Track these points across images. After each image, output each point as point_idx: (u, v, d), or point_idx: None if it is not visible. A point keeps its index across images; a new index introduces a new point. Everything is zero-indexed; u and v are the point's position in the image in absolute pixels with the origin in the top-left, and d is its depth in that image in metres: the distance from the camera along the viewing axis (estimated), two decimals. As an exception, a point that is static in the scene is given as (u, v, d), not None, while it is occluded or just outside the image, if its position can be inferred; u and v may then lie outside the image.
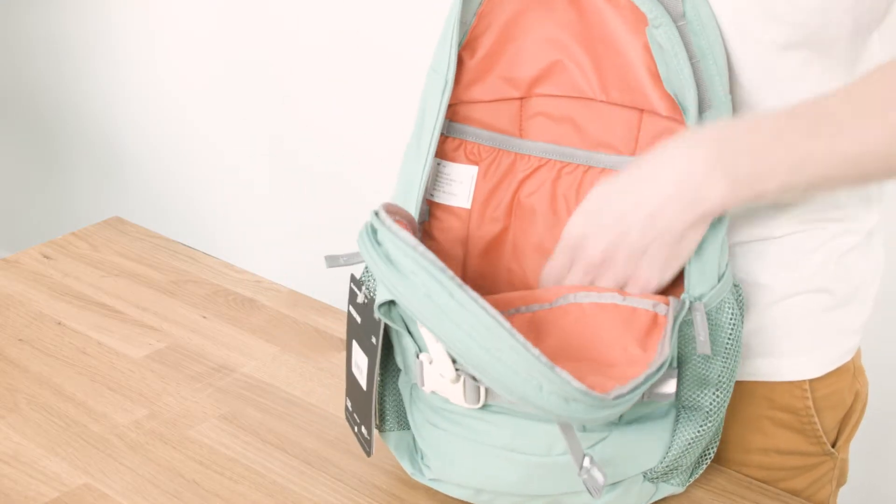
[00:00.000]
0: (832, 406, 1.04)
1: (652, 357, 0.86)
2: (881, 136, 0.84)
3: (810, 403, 1.02)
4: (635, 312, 0.89)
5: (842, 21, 0.89)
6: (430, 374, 0.89)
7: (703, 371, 0.91)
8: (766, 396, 1.01)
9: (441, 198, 0.98)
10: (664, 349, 0.85)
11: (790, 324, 1.00)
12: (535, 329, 0.91)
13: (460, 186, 0.97)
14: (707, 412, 0.92)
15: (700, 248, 0.89)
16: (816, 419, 1.02)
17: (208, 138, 2.44)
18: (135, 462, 1.04)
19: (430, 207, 0.99)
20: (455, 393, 0.88)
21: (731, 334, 0.91)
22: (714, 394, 0.92)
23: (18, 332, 1.24)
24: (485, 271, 0.98)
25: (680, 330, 0.89)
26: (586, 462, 0.82)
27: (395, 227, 0.82)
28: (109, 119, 2.62)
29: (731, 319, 0.91)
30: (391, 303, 0.88)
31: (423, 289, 0.80)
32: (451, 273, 0.79)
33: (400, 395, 0.98)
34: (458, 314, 0.78)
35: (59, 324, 1.25)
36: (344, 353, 1.20)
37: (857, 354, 1.06)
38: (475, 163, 0.97)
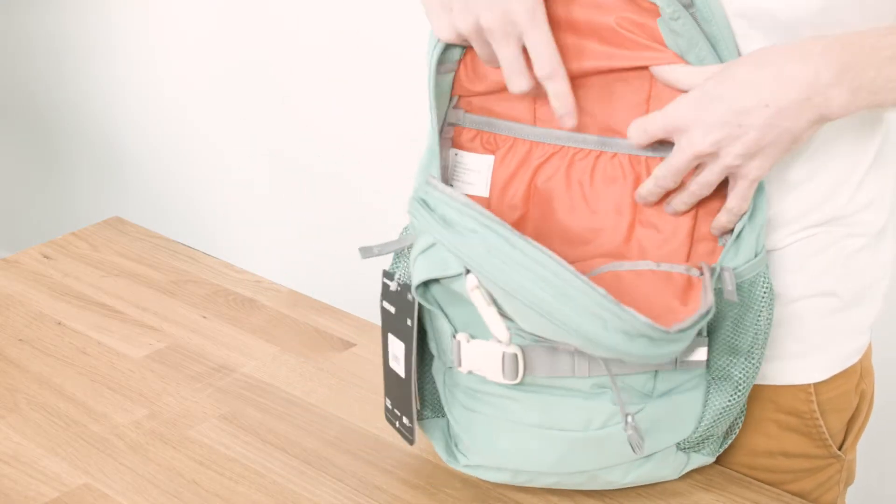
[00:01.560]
0: (838, 409, 1.03)
1: (692, 304, 0.88)
2: None
3: (815, 407, 1.02)
4: (670, 276, 0.92)
5: (851, 20, 0.89)
6: (468, 352, 0.92)
7: (734, 340, 0.93)
8: (771, 399, 1.01)
9: (459, 188, 0.98)
10: (707, 296, 0.87)
11: (796, 327, 1.00)
12: None
13: (477, 176, 0.98)
14: (737, 382, 0.94)
15: (748, 228, 0.91)
16: (822, 422, 1.02)
17: (208, 138, 2.44)
18: (135, 462, 1.04)
19: None
20: (493, 369, 0.91)
21: (764, 308, 0.93)
22: (744, 364, 0.94)
23: (18, 332, 1.24)
24: None
25: None
26: (629, 419, 0.88)
27: (448, 189, 0.86)
28: (109, 119, 2.62)
29: (764, 293, 0.93)
30: (425, 284, 0.91)
31: (484, 244, 0.84)
32: (508, 225, 0.83)
33: (434, 382, 1.00)
34: (522, 263, 0.82)
35: (59, 324, 1.25)
36: (344, 354, 1.20)
37: (866, 354, 1.05)
38: (491, 152, 0.97)
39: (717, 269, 0.91)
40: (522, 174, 0.97)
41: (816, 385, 1.01)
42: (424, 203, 0.89)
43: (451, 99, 0.97)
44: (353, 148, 2.21)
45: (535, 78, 0.92)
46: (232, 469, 1.03)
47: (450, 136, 0.98)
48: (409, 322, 0.94)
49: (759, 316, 0.93)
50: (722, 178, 0.89)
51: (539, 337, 0.89)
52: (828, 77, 0.84)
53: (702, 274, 0.91)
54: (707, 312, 0.86)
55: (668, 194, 0.93)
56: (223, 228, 2.49)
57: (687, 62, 0.90)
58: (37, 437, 1.07)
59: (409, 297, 0.93)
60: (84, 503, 0.99)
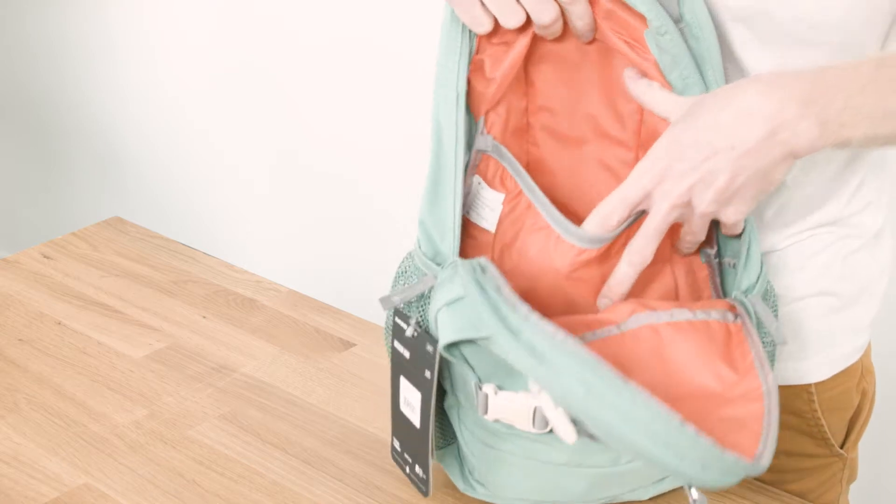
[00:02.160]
0: (839, 407, 1.04)
1: (747, 376, 0.85)
2: None
3: (816, 406, 1.02)
4: (709, 327, 0.88)
5: (862, 31, 0.88)
6: (496, 404, 0.88)
7: None
8: None
9: (473, 217, 0.95)
10: (767, 375, 0.83)
11: (796, 328, 1.00)
12: (611, 362, 0.88)
13: (490, 213, 0.94)
14: None
15: (746, 244, 0.89)
16: (823, 421, 1.02)
17: (208, 138, 2.44)
18: (135, 462, 1.04)
19: (465, 223, 0.96)
20: (523, 421, 0.87)
21: (774, 317, 0.92)
22: None
23: (18, 332, 1.24)
24: None
25: None
26: (694, 493, 0.82)
27: (536, 317, 0.80)
28: (109, 119, 2.62)
29: (773, 303, 0.92)
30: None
31: (582, 385, 0.77)
32: (608, 366, 0.78)
33: (444, 414, 0.97)
34: (622, 408, 0.76)
35: (59, 324, 1.25)
36: (344, 354, 1.20)
37: (866, 352, 1.06)
38: (504, 192, 0.94)
39: (746, 304, 0.88)
40: (516, 229, 0.94)
41: (817, 384, 1.02)
42: (504, 324, 0.80)
43: (475, 122, 0.93)
44: (353, 148, 2.21)
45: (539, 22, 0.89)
46: (232, 469, 1.03)
47: (477, 163, 0.94)
48: (427, 374, 0.89)
49: (771, 327, 0.92)
50: (706, 226, 0.87)
51: None
52: (793, 110, 0.82)
53: (736, 318, 0.88)
54: (777, 402, 0.82)
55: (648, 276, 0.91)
56: (223, 228, 2.49)
57: (668, 81, 0.88)
58: (37, 437, 1.07)
59: (429, 347, 0.88)
60: (84, 503, 0.99)
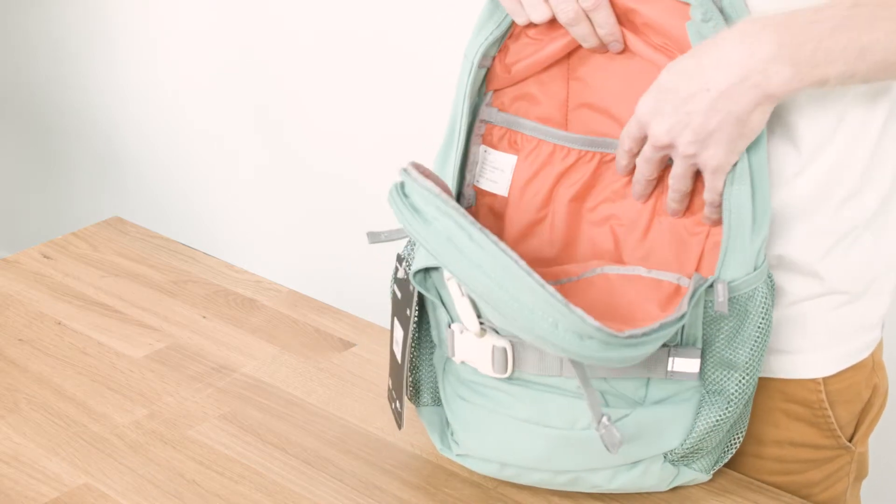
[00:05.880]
0: (847, 400, 1.04)
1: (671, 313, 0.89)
2: None
3: (823, 397, 1.02)
4: (660, 283, 0.93)
5: None
6: (461, 343, 0.93)
7: (730, 355, 0.93)
8: (779, 390, 1.02)
9: (484, 184, 1.00)
10: (682, 306, 0.87)
11: (804, 324, 1.00)
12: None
13: (500, 175, 1.00)
14: (730, 397, 0.94)
15: (741, 238, 0.91)
16: (830, 412, 1.02)
17: (208, 138, 2.44)
18: (135, 462, 1.04)
19: (477, 193, 1.01)
20: (483, 362, 0.92)
21: (761, 323, 0.92)
22: (739, 379, 0.93)
23: (18, 332, 1.24)
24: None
25: (705, 312, 0.92)
26: (605, 420, 0.87)
27: (421, 178, 0.87)
28: (109, 119, 2.62)
29: (762, 308, 0.92)
30: (426, 271, 0.92)
31: (444, 233, 0.85)
32: (471, 218, 0.84)
33: (435, 370, 1.02)
34: (477, 255, 0.83)
35: (59, 324, 1.25)
36: (344, 354, 1.20)
37: (878, 349, 1.06)
38: (516, 152, 0.99)
39: (709, 280, 0.90)
40: (544, 177, 0.98)
41: (825, 377, 1.02)
42: (401, 190, 0.89)
43: (484, 95, 0.99)
44: (353, 148, 2.21)
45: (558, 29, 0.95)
46: (232, 469, 1.03)
47: (481, 133, 0.99)
48: (408, 312, 0.95)
49: (755, 331, 0.92)
50: (689, 169, 0.91)
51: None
52: (763, 54, 0.86)
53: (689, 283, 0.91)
54: (672, 322, 0.86)
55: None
56: (223, 228, 2.49)
57: None
58: (37, 437, 1.07)
59: (411, 287, 0.94)
60: (84, 503, 1.00)
